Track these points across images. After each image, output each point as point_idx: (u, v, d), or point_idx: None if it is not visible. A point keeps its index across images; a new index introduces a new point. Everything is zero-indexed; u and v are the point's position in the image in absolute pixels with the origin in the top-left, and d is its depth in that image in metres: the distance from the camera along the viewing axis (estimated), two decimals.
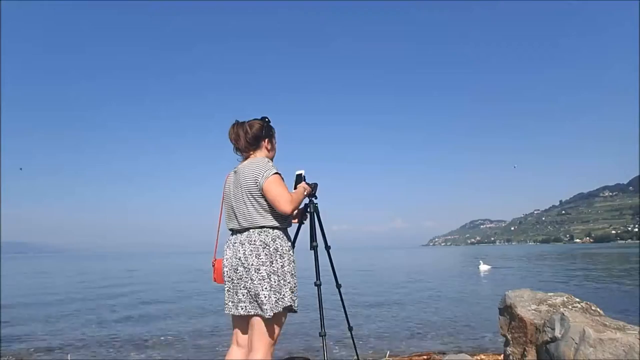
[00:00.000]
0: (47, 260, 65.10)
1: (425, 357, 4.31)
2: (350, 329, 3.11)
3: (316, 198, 2.83)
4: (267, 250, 2.24)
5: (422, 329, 6.25)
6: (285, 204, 2.21)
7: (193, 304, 9.69)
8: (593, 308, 2.95)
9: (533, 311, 3.04)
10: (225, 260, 2.33)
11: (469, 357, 3.99)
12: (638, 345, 2.27)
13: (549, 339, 2.72)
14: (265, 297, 2.16)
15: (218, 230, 2.51)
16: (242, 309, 2.21)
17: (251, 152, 2.40)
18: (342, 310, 3.08)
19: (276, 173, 2.26)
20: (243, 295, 2.22)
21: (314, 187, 2.78)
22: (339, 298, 3.06)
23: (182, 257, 74.01)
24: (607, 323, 2.58)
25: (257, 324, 2.20)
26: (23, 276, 23.76)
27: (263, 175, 2.23)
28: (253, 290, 2.18)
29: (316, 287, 2.63)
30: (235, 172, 2.38)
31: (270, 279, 2.20)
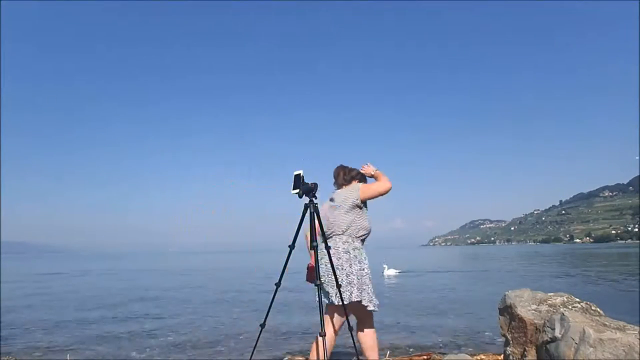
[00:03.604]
0: (47, 261, 65.08)
1: (425, 357, 4.31)
2: (350, 329, 3.11)
3: (316, 198, 2.84)
4: (348, 255, 2.93)
5: (423, 329, 6.25)
6: (385, 185, 2.99)
7: (191, 304, 9.69)
8: (593, 308, 2.95)
9: (533, 311, 3.04)
10: (321, 262, 2.92)
11: (469, 357, 3.99)
12: (638, 345, 2.27)
13: (549, 339, 2.72)
14: (366, 290, 2.93)
15: (309, 242, 3.02)
16: (347, 298, 2.85)
17: (343, 186, 3.21)
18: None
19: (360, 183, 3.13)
20: (331, 288, 2.87)
21: (314, 187, 2.78)
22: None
23: (181, 257, 74.01)
24: (607, 323, 2.58)
25: (365, 310, 2.97)
26: (23, 276, 23.75)
27: (356, 189, 3.03)
28: (355, 284, 2.88)
29: (316, 287, 2.63)
30: (331, 199, 3.15)
31: (359, 276, 2.91)
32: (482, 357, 4.19)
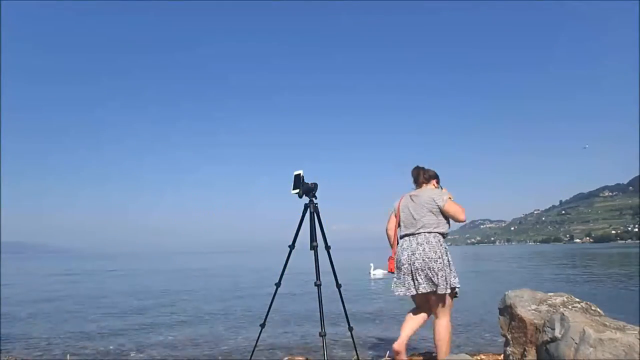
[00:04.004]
0: (46, 261, 65.05)
1: (424, 357, 4.30)
2: (350, 329, 3.11)
3: (316, 198, 2.84)
4: (441, 248, 3.31)
5: (422, 329, 6.24)
6: (462, 216, 3.34)
7: (191, 304, 9.69)
8: (593, 308, 2.95)
9: (533, 311, 3.04)
10: (404, 256, 3.33)
11: (469, 357, 3.99)
12: (638, 345, 2.27)
13: (549, 339, 2.71)
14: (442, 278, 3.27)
15: (395, 236, 3.54)
16: (424, 288, 3.27)
17: (423, 185, 3.57)
18: (342, 310, 3.08)
19: (449, 197, 3.39)
20: (425, 278, 3.27)
21: (314, 187, 2.78)
22: (339, 298, 3.06)
23: (181, 257, 73.98)
24: (607, 323, 2.58)
25: (440, 298, 3.35)
26: (22, 276, 23.74)
27: (443, 199, 3.33)
28: (437, 274, 3.23)
29: (316, 287, 2.64)
30: (411, 196, 3.48)
31: (444, 268, 3.26)
32: (482, 357, 4.19)
